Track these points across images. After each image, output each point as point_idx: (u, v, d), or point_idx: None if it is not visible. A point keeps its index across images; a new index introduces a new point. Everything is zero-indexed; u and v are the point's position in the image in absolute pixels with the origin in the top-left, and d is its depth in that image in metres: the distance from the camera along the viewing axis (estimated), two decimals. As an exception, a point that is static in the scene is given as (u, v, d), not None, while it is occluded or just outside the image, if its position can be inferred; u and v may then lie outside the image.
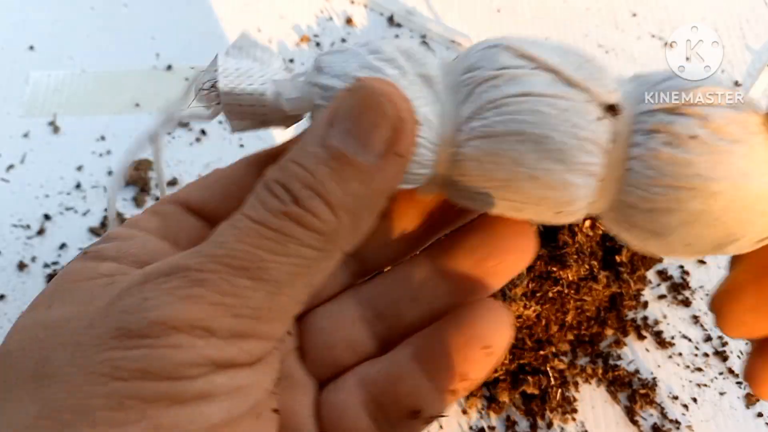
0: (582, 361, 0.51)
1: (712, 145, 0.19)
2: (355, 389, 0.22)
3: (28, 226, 0.57)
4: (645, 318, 0.53)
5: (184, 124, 0.62)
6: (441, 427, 0.48)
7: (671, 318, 0.53)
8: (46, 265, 0.55)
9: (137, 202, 0.58)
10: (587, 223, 0.48)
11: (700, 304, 0.53)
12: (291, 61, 0.66)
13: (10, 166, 0.60)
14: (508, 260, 0.22)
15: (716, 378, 0.51)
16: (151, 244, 0.20)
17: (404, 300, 0.23)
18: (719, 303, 0.21)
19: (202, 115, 0.21)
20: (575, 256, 0.47)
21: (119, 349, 0.16)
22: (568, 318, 0.49)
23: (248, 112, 0.20)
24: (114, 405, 0.15)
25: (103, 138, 0.61)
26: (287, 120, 0.22)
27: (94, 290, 0.18)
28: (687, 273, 0.55)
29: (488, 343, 0.21)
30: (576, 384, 0.50)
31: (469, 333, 0.21)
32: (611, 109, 0.19)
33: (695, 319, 0.53)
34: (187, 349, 0.16)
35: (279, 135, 0.62)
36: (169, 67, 0.66)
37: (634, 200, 0.19)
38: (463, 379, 0.21)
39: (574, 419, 0.49)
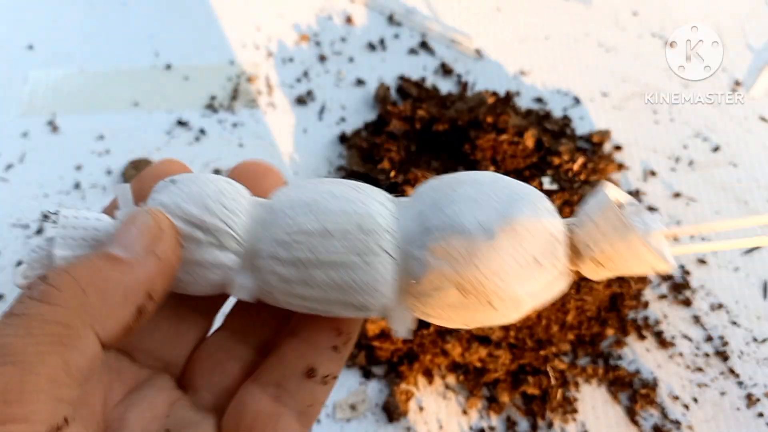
0: (582, 361, 0.51)
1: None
2: (252, 386, 0.24)
3: (27, 226, 0.57)
4: (646, 318, 0.53)
5: (183, 123, 0.62)
6: (441, 426, 0.48)
7: (672, 318, 0.53)
8: (45, 265, 0.55)
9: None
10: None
11: (701, 304, 0.53)
12: (291, 60, 0.66)
13: (9, 166, 0.60)
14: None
15: (717, 378, 0.50)
16: None
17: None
18: None
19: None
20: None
21: None
22: (569, 318, 0.49)
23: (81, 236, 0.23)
24: None
25: (102, 137, 0.61)
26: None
27: None
28: (688, 273, 0.55)
29: None
30: (576, 384, 0.50)
31: None
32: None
33: (696, 319, 0.53)
34: None
35: (278, 136, 0.62)
36: (168, 66, 0.66)
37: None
38: (339, 333, 0.24)
39: (574, 419, 0.48)
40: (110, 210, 0.24)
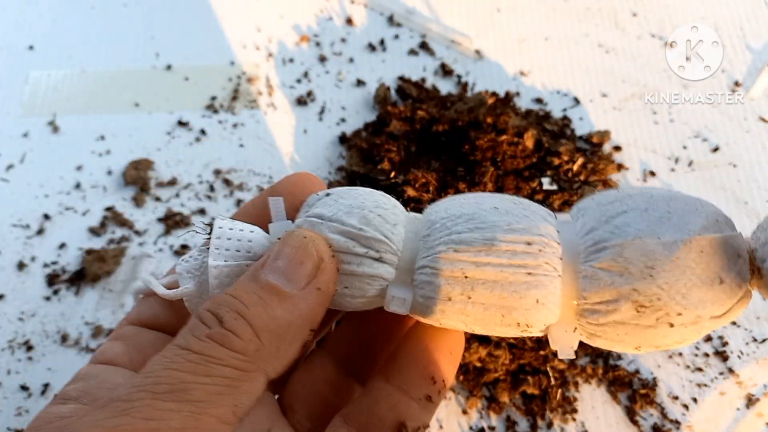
0: (582, 361, 0.51)
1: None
2: (341, 426, 0.23)
3: (28, 226, 0.57)
4: (645, 318, 0.53)
5: (183, 123, 0.62)
6: (441, 426, 0.48)
7: (671, 318, 0.53)
8: (46, 265, 0.55)
9: (137, 201, 0.58)
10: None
11: (700, 304, 0.53)
12: (291, 60, 0.66)
13: (10, 166, 0.60)
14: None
15: (716, 378, 0.50)
16: (112, 376, 0.22)
17: (367, 339, 0.25)
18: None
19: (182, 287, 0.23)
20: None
21: None
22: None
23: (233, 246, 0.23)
24: None
25: (102, 138, 0.61)
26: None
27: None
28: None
29: (451, 345, 0.23)
30: (576, 384, 0.50)
31: (433, 340, 0.23)
32: None
33: (695, 319, 0.53)
34: None
35: (279, 136, 0.62)
36: (169, 67, 0.66)
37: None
38: (434, 382, 0.23)
39: (574, 419, 0.49)
40: (241, 216, 0.24)
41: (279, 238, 0.21)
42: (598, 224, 0.20)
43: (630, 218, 0.20)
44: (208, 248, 0.22)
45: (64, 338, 0.52)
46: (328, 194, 0.23)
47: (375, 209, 0.22)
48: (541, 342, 0.49)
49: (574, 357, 0.21)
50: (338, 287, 0.22)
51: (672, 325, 0.19)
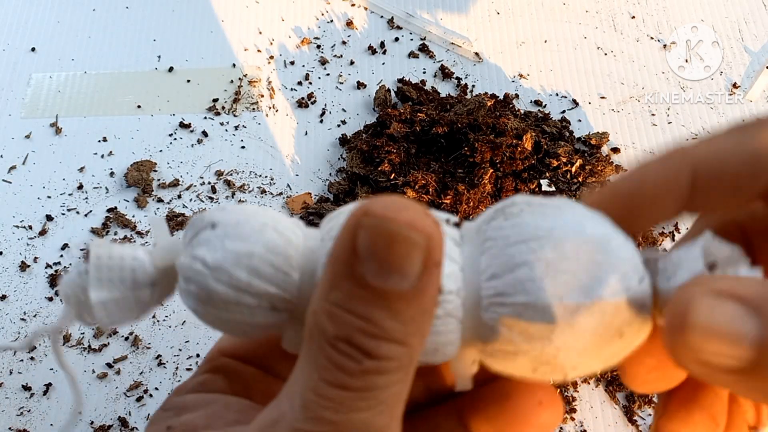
0: (581, 361, 0.51)
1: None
2: None
3: (30, 227, 0.57)
4: (643, 318, 0.53)
5: (185, 125, 0.63)
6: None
7: (669, 318, 0.53)
8: (48, 266, 0.55)
9: (139, 202, 0.58)
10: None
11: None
12: (292, 63, 0.67)
13: (12, 167, 0.60)
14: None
15: (714, 378, 0.51)
16: (234, 404, 0.21)
17: None
18: (623, 364, 0.21)
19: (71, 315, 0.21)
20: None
21: None
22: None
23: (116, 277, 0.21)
24: None
25: (104, 139, 0.62)
26: (156, 288, 0.22)
27: None
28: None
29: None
30: (575, 384, 0.50)
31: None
32: None
33: (693, 319, 0.53)
34: None
35: (280, 138, 0.63)
36: (171, 69, 0.66)
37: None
38: None
39: (572, 419, 0.49)
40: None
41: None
42: (500, 271, 0.19)
43: (534, 273, 0.19)
44: (87, 274, 0.20)
45: (66, 339, 0.52)
46: (213, 225, 0.20)
47: (266, 256, 0.20)
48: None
49: (470, 388, 0.21)
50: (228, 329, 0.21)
51: (566, 375, 0.19)
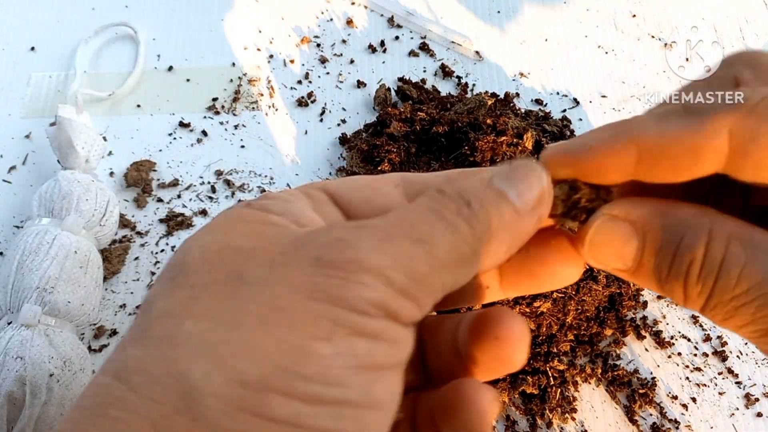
0: (581, 360, 0.51)
1: None
2: None
3: (30, 227, 0.57)
4: (644, 318, 0.53)
5: (185, 125, 0.62)
6: (441, 426, 0.48)
7: (670, 318, 0.53)
8: (48, 266, 0.55)
9: (139, 202, 0.58)
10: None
11: (699, 304, 0.53)
12: (292, 62, 0.67)
13: (12, 167, 0.60)
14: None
15: (715, 378, 0.51)
16: (308, 212, 0.22)
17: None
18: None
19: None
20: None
21: (318, 274, 0.18)
22: (569, 318, 0.49)
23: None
24: (309, 318, 0.18)
25: (104, 139, 0.62)
26: None
27: (269, 231, 0.20)
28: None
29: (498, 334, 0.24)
30: (575, 383, 0.50)
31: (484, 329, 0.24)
32: None
33: (694, 319, 0.53)
34: (373, 290, 0.18)
35: (279, 137, 0.62)
36: (170, 68, 0.66)
37: None
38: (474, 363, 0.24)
39: (573, 419, 0.49)
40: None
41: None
42: None
43: None
44: None
45: (66, 338, 0.52)
46: None
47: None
48: (541, 342, 0.50)
49: None
50: None
51: None
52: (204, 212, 0.58)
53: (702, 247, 0.21)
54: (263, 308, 0.18)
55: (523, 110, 0.63)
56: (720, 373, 0.51)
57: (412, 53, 0.67)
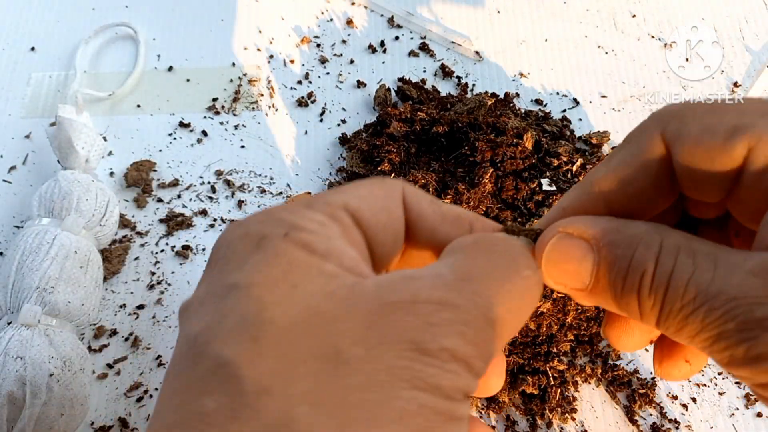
0: (581, 361, 0.51)
1: None
2: None
3: (30, 227, 0.57)
4: (644, 318, 0.53)
5: (185, 125, 0.62)
6: (441, 426, 0.48)
7: (670, 318, 0.53)
8: (48, 266, 0.55)
9: (138, 203, 0.58)
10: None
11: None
12: (292, 61, 0.67)
13: (12, 167, 0.60)
14: None
15: (715, 378, 0.51)
16: (346, 248, 0.22)
17: None
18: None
19: None
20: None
21: (418, 362, 0.19)
22: (569, 318, 0.49)
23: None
24: (413, 409, 0.18)
25: (104, 139, 0.62)
26: None
27: (335, 287, 0.20)
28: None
29: None
30: (575, 384, 0.50)
31: None
32: None
33: (694, 319, 0.53)
34: (459, 378, 0.19)
35: (280, 137, 0.62)
36: (170, 68, 0.66)
37: None
38: None
39: (573, 419, 0.49)
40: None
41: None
42: None
43: None
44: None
45: (66, 338, 0.52)
46: None
47: None
48: (541, 342, 0.50)
49: None
50: None
51: None
52: (204, 212, 0.58)
53: (653, 260, 0.21)
54: (367, 397, 0.18)
55: (523, 110, 0.63)
56: (720, 373, 0.51)
57: (412, 53, 0.67)
